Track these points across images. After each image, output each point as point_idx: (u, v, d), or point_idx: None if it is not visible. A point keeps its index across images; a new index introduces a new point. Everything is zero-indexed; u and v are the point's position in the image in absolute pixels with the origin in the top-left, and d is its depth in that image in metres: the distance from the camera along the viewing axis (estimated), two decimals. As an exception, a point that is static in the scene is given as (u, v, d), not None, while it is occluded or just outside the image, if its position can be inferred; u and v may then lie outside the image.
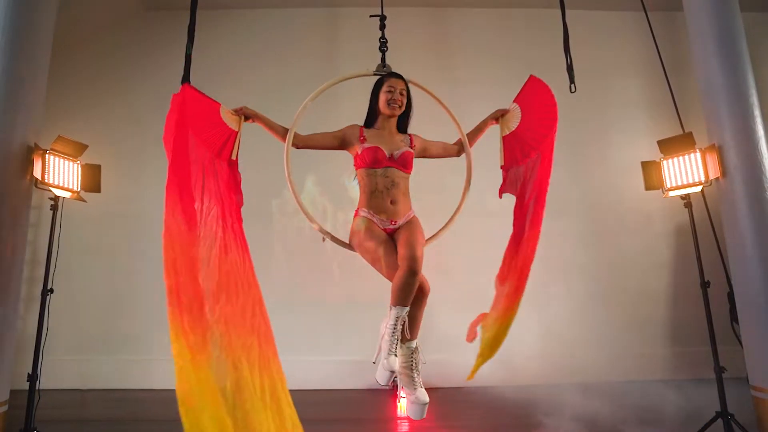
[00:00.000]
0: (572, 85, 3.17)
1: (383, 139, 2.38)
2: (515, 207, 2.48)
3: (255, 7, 5.04)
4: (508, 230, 2.47)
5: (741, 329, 3.06)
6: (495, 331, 2.19)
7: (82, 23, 4.68)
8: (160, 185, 4.88)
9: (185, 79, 2.73)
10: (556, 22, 2.70)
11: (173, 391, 1.54)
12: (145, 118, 4.73)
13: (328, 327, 4.45)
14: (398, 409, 3.63)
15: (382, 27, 2.68)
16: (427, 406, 2.20)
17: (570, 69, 2.72)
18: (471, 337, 2.34)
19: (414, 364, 2.22)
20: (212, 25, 4.81)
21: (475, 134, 2.62)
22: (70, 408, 3.83)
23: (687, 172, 3.14)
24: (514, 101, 2.60)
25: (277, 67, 4.90)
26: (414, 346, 2.24)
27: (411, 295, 2.14)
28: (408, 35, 4.66)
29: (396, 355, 2.18)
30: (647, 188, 3.34)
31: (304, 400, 3.84)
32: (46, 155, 2.99)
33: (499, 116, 2.63)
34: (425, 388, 2.24)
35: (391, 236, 2.29)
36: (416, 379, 2.21)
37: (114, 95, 4.79)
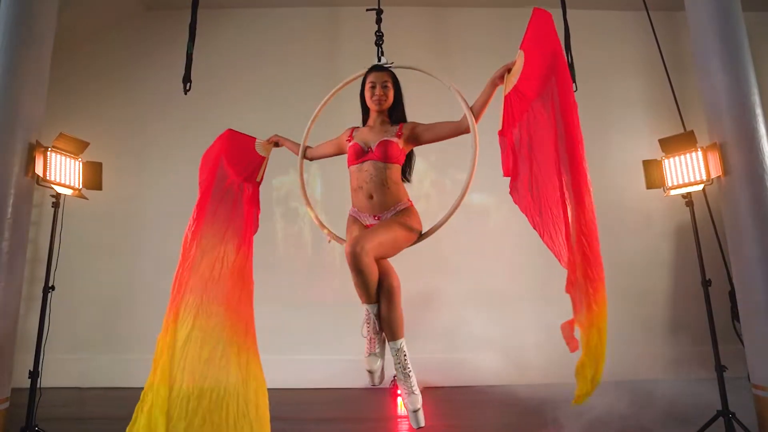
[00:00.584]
0: (573, 84, 3.17)
1: (369, 134, 2.34)
2: (510, 190, 2.13)
3: (256, 6, 5.04)
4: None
5: (742, 328, 3.05)
6: (590, 338, 1.78)
7: (84, 22, 4.69)
8: (160, 183, 4.88)
9: (186, 77, 2.79)
10: (557, 22, 2.69)
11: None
12: (146, 116, 4.75)
13: (328, 326, 4.45)
14: (398, 408, 3.63)
15: (379, 21, 2.67)
16: (418, 413, 2.09)
17: (571, 68, 2.71)
18: (573, 346, 1.90)
19: (401, 366, 2.13)
20: (213, 24, 4.81)
21: (481, 105, 2.24)
22: (70, 406, 3.83)
23: (688, 170, 3.14)
24: (520, 47, 2.13)
25: (278, 66, 4.90)
26: (398, 346, 2.13)
27: (365, 291, 2.07)
28: (408, 35, 4.66)
29: (376, 356, 2.15)
30: (648, 187, 3.35)
31: (305, 399, 3.88)
32: (48, 152, 2.99)
33: (505, 73, 2.19)
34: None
35: None
36: (406, 383, 2.12)
37: (115, 93, 4.80)
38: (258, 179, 2.59)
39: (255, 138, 2.63)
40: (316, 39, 5.03)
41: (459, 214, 2.24)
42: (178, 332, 2.18)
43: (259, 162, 2.62)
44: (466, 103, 2.26)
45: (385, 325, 2.14)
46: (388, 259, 2.23)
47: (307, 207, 2.46)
